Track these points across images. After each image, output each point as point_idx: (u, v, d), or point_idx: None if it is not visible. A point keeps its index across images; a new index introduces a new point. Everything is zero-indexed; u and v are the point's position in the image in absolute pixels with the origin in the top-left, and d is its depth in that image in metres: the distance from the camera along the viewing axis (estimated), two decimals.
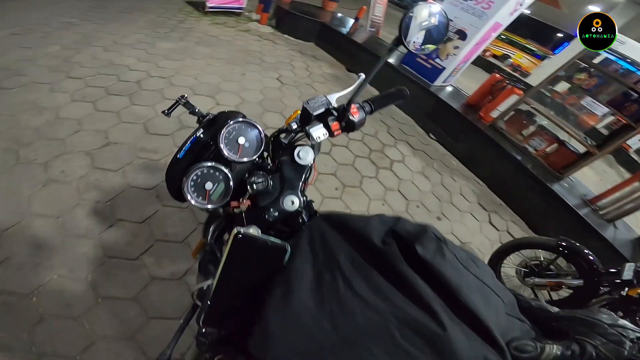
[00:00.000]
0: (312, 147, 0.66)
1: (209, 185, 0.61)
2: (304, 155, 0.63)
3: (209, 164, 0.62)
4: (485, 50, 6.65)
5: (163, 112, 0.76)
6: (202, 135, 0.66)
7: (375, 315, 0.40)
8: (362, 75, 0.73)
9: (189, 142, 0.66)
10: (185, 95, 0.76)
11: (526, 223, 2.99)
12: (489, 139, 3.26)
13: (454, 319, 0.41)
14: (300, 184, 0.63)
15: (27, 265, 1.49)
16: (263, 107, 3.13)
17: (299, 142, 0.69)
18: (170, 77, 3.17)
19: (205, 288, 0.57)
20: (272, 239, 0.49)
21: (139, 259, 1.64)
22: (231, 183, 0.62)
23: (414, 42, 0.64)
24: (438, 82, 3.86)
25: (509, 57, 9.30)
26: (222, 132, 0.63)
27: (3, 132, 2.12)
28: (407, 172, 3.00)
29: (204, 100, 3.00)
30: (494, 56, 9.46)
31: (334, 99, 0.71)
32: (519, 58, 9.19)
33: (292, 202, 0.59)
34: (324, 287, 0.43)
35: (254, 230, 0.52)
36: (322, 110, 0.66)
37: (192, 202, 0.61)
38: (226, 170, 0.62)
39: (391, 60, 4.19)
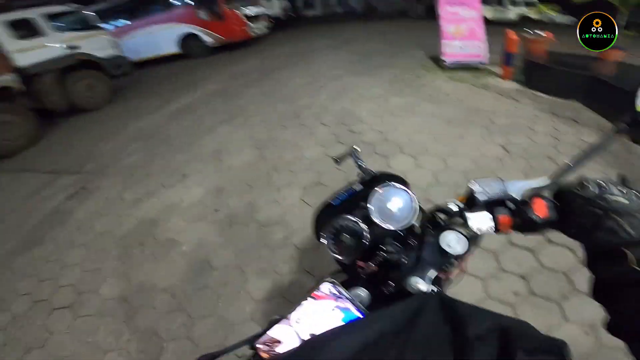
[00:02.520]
0: (469, 237, 0.57)
1: (345, 238, 0.64)
2: (454, 243, 0.56)
3: (354, 219, 0.64)
4: None
5: (333, 159, 0.93)
6: (359, 190, 0.71)
7: None
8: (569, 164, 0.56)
9: (346, 193, 0.73)
10: (356, 148, 0.86)
11: None
12: None
13: None
14: (434, 270, 0.57)
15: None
16: (467, 178, 2.66)
17: (457, 227, 0.58)
18: (386, 133, 3.52)
19: None
20: None
21: None
22: (366, 243, 0.62)
23: None
24: None
25: None
26: (375, 193, 0.65)
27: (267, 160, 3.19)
28: None
29: (405, 159, 3.01)
30: None
31: (516, 187, 0.56)
32: None
33: (416, 285, 0.55)
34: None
35: (361, 292, 0.56)
36: (490, 196, 0.56)
37: (327, 247, 0.65)
38: (366, 231, 0.63)
39: None
